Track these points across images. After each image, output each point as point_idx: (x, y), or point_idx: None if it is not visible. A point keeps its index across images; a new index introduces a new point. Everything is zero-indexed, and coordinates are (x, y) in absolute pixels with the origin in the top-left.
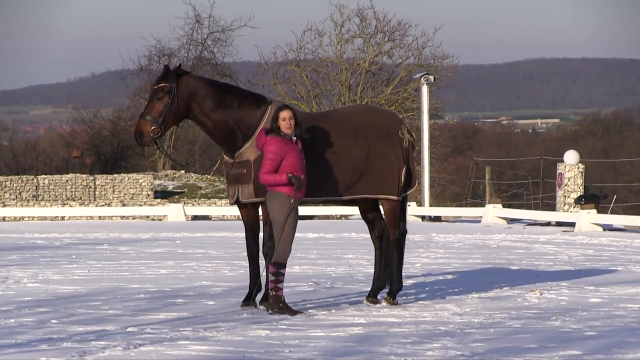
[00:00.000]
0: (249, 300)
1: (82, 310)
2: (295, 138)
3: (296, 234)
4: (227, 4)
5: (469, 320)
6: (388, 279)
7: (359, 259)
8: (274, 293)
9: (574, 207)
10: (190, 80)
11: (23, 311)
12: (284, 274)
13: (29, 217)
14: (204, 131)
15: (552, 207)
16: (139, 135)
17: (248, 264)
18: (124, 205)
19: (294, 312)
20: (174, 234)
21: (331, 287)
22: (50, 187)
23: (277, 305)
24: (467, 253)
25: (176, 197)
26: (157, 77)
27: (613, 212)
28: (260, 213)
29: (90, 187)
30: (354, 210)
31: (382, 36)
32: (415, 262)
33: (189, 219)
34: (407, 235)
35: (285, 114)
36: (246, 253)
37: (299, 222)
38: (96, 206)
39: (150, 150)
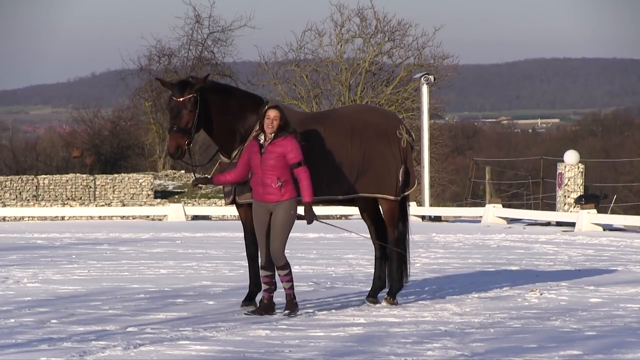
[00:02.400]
0: (249, 301)
1: (82, 310)
2: (272, 140)
3: (296, 234)
4: (227, 4)
5: (469, 320)
6: (389, 279)
7: (359, 259)
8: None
9: (574, 207)
10: (207, 88)
11: (23, 311)
12: (264, 275)
13: (29, 217)
14: (205, 133)
15: (552, 207)
16: (179, 150)
17: (247, 264)
18: (124, 205)
19: (261, 312)
20: (174, 234)
21: (331, 287)
22: (51, 187)
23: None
24: (467, 253)
25: (176, 197)
26: (177, 87)
27: (613, 212)
28: None
29: (90, 187)
30: (354, 210)
31: (382, 36)
32: (415, 262)
33: (189, 219)
34: (409, 236)
35: (271, 114)
36: (245, 253)
37: (297, 222)
38: (96, 206)
39: (150, 150)
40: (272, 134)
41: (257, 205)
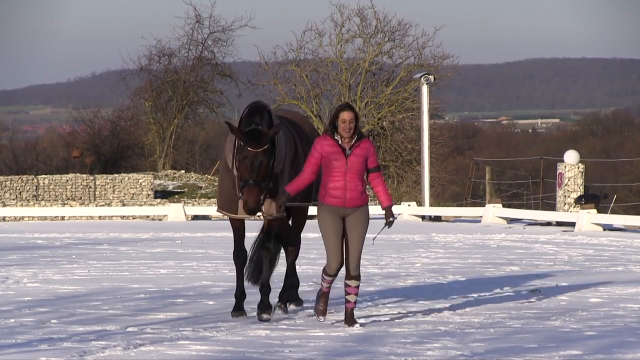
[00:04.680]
0: (241, 310)
1: (82, 310)
2: (354, 142)
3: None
4: (228, 4)
5: (469, 320)
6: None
7: None
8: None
9: (574, 207)
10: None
11: (23, 311)
12: (324, 279)
13: (29, 217)
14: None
15: (552, 207)
16: (259, 204)
17: (237, 271)
18: (124, 205)
19: (318, 314)
20: (174, 233)
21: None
22: (51, 187)
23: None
24: (467, 253)
25: (176, 196)
26: (252, 137)
27: (613, 212)
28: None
29: (90, 187)
30: None
31: (382, 36)
32: (415, 262)
33: (189, 218)
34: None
35: (346, 116)
36: (236, 260)
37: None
38: (96, 206)
39: (150, 150)
40: (353, 137)
41: (329, 210)
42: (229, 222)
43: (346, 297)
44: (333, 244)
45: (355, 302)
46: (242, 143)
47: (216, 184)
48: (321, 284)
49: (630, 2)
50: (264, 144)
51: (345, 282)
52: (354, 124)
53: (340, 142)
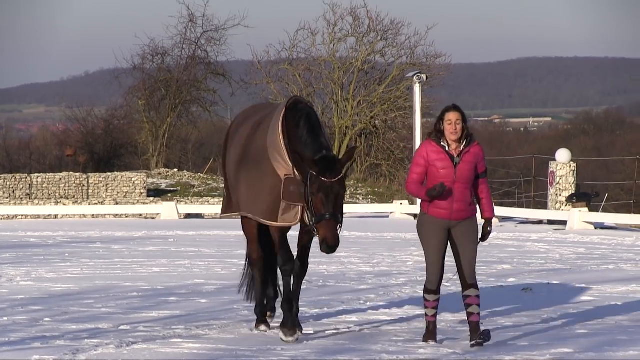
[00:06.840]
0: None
1: (75, 308)
2: (464, 147)
3: (290, 232)
4: (221, 3)
5: (460, 318)
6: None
7: (351, 257)
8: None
9: (566, 205)
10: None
11: (16, 309)
12: (427, 300)
13: (22, 216)
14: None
15: (543, 206)
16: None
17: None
18: (117, 203)
19: (426, 338)
20: (167, 232)
21: (323, 285)
22: (44, 186)
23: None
24: None
25: (169, 195)
26: (329, 166)
27: (605, 210)
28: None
29: (83, 186)
30: (349, 209)
31: (375, 35)
32: (407, 260)
33: (182, 217)
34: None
35: (452, 117)
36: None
37: None
38: (89, 204)
39: (143, 148)
40: (462, 141)
41: (433, 222)
42: (223, 220)
43: (468, 310)
44: (435, 258)
45: (479, 314)
46: (314, 173)
47: (209, 182)
48: (425, 314)
49: (623, 2)
50: (339, 173)
51: (463, 295)
52: (460, 125)
53: (447, 149)
